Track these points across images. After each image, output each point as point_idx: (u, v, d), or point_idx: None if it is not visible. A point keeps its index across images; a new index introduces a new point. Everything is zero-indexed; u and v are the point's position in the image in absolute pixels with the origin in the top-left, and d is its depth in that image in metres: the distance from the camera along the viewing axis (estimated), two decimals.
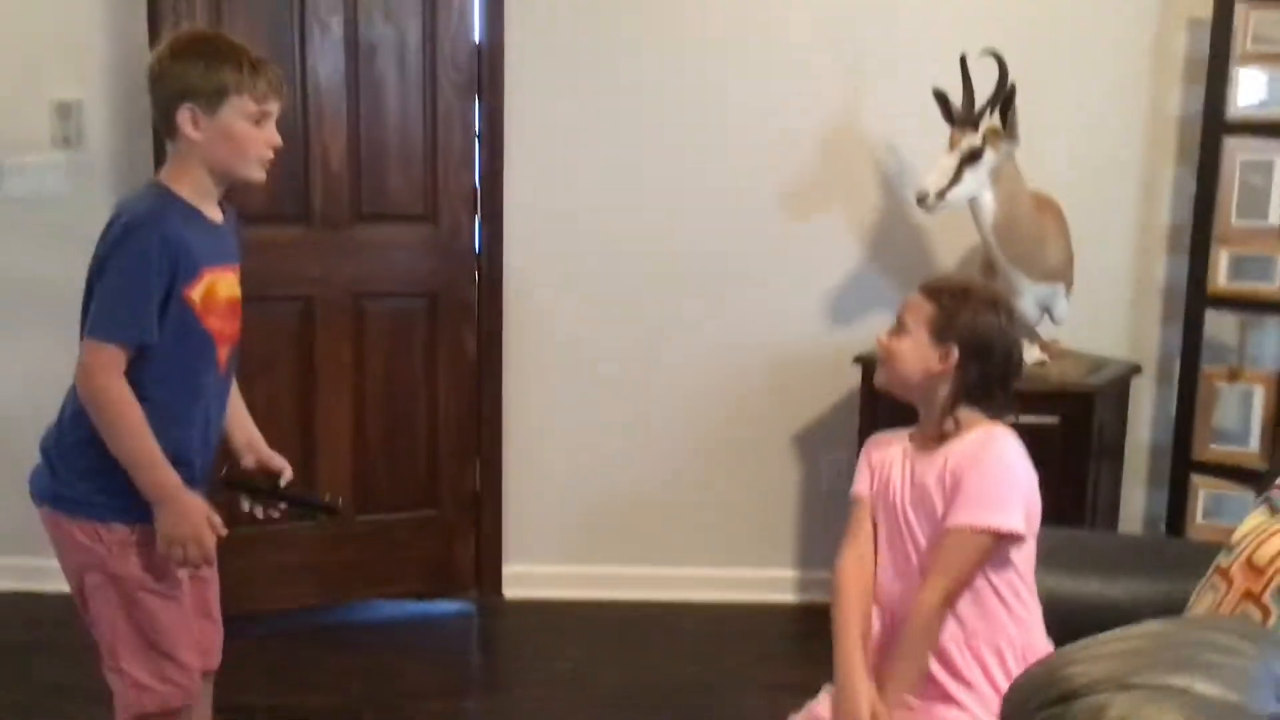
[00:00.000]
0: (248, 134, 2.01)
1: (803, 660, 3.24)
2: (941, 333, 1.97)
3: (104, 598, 2.05)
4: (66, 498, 2.03)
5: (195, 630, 2.16)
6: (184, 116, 1.98)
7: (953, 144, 2.94)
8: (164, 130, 2.04)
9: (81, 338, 1.97)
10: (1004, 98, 2.90)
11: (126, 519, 2.02)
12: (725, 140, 3.44)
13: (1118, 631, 1.28)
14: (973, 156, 2.92)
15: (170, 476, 1.98)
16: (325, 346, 3.33)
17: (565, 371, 3.56)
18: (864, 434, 3.28)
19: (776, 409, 3.58)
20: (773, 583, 3.63)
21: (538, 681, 3.19)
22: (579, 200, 3.47)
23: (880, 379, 2.08)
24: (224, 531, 2.06)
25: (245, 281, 3.16)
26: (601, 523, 3.62)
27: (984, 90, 2.93)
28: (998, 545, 1.91)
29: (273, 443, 3.32)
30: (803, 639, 3.37)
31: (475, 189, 3.40)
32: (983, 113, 2.93)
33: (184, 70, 1.98)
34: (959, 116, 2.95)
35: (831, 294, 3.53)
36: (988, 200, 2.98)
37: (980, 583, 1.94)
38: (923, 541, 1.98)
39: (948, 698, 1.94)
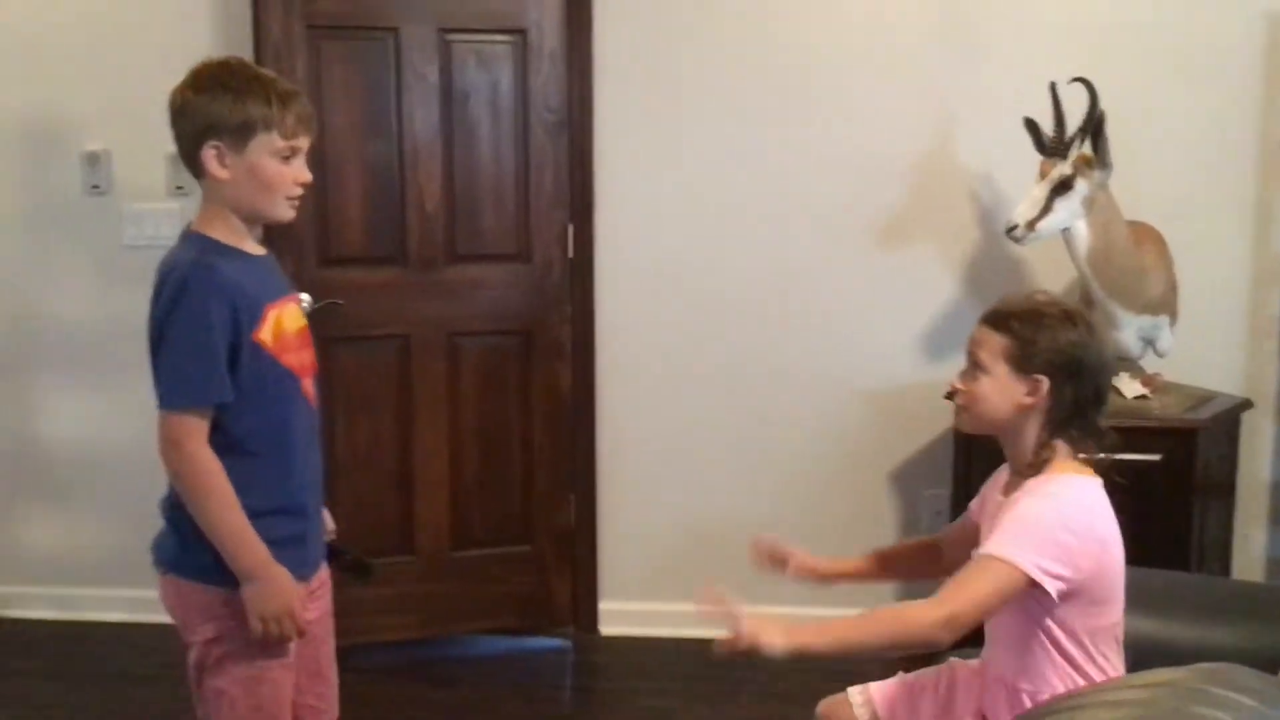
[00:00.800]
0: (276, 172, 1.90)
1: None
2: (1023, 364, 1.84)
3: (228, 671, 1.96)
4: (193, 565, 1.94)
5: (313, 691, 2.11)
6: (209, 154, 1.87)
7: (1043, 173, 2.89)
8: (189, 168, 1.93)
9: (159, 404, 1.89)
10: (1094, 125, 2.84)
11: None
12: (817, 173, 3.43)
13: (1127, 679, 1.23)
14: (1063, 186, 2.86)
15: (259, 550, 1.89)
16: (422, 384, 3.40)
17: (659, 407, 3.57)
18: (960, 471, 3.23)
19: (873, 445, 3.54)
20: None
21: (631, 719, 3.18)
22: (670, 236, 3.49)
23: (964, 424, 1.96)
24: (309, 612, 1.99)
25: (344, 322, 3.31)
26: (697, 560, 3.61)
27: (1075, 118, 2.88)
28: (1027, 587, 1.75)
29: (373, 479, 3.45)
30: None
31: (567, 227, 3.45)
32: (1073, 141, 2.88)
33: (208, 104, 1.86)
34: (1049, 145, 2.90)
35: (927, 327, 3.48)
36: (1081, 230, 2.91)
37: (1027, 630, 1.82)
38: None
39: None
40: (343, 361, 3.34)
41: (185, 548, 1.94)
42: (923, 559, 2.20)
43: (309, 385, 2.02)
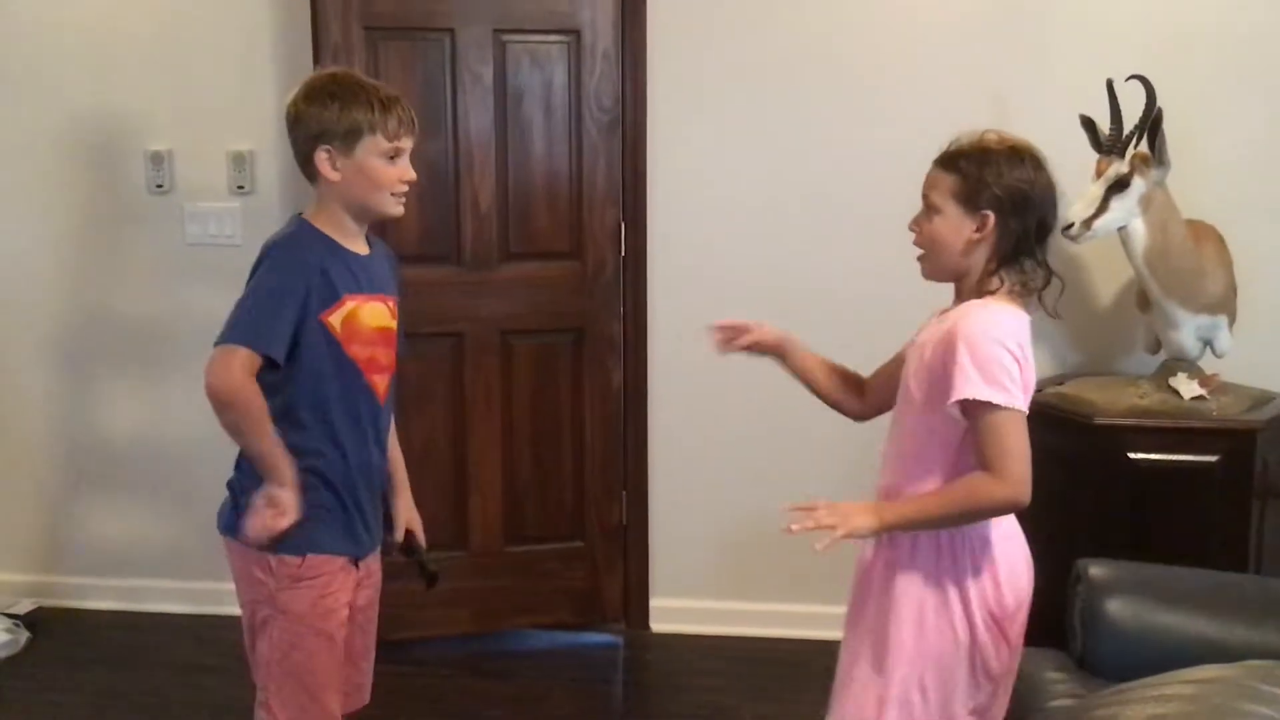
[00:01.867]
0: (382, 171, 2.05)
1: None
2: (971, 200, 1.89)
3: (269, 633, 2.08)
4: (238, 525, 2.05)
5: (343, 674, 2.18)
6: (321, 158, 2.03)
7: (1099, 172, 2.87)
8: (304, 172, 2.09)
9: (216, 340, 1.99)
10: (1151, 123, 2.81)
11: (296, 551, 2.05)
12: (869, 172, 3.42)
13: (1174, 674, 1.23)
14: (1120, 184, 2.83)
15: (285, 466, 1.98)
16: (475, 382, 3.44)
17: (711, 405, 3.58)
18: None
19: None
20: None
21: (682, 715, 3.19)
22: (722, 235, 3.49)
23: (926, 272, 1.99)
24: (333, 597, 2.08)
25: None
26: (748, 557, 3.62)
27: (1132, 116, 2.85)
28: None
29: (428, 475, 3.48)
30: None
31: (620, 225, 3.47)
32: (1130, 139, 2.85)
33: (318, 113, 2.02)
34: (1106, 143, 2.88)
35: None
36: (1138, 229, 2.89)
37: (936, 446, 1.93)
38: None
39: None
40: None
41: (238, 513, 2.05)
42: (851, 391, 2.25)
43: (378, 381, 2.13)
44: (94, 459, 3.74)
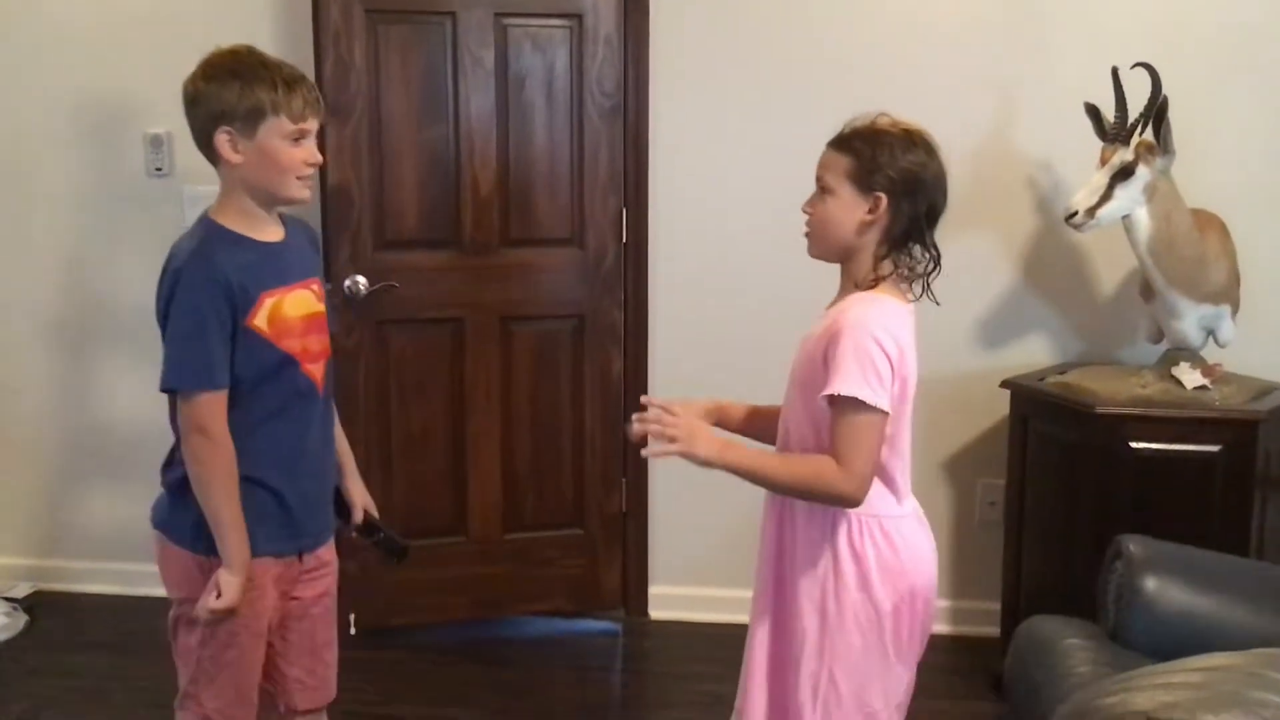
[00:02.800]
0: (286, 154, 1.96)
1: (951, 694, 3.17)
2: (864, 181, 1.90)
3: (195, 629, 2.05)
4: (176, 529, 2.05)
5: (304, 668, 2.19)
6: (222, 140, 1.94)
7: (1103, 160, 2.86)
8: (205, 154, 2.00)
9: (164, 385, 2.00)
10: (1157, 111, 2.80)
11: None
12: None
13: (1183, 661, 1.22)
14: (1124, 173, 2.82)
15: (245, 550, 1.98)
16: (475, 368, 3.42)
17: (711, 392, 3.48)
18: (1015, 459, 3.20)
19: (926, 434, 3.47)
20: None
21: (680, 703, 3.19)
22: (725, 221, 3.48)
23: (811, 249, 2.01)
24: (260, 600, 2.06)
25: (399, 305, 3.34)
26: (747, 546, 3.56)
27: (1137, 104, 2.83)
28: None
29: (427, 461, 3.48)
30: (951, 672, 3.29)
31: (621, 212, 3.45)
32: (1135, 127, 2.83)
33: (218, 91, 1.94)
34: (1110, 131, 2.86)
35: (983, 316, 3.45)
36: (1142, 218, 2.88)
37: (818, 441, 1.96)
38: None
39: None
40: (397, 344, 3.38)
41: (174, 512, 2.05)
42: (768, 426, 2.20)
43: (313, 369, 2.07)
44: (92, 443, 3.73)
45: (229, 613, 2.00)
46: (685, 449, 1.91)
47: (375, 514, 2.31)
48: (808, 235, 2.00)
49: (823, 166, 1.96)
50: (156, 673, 3.25)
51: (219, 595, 1.99)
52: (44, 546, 3.82)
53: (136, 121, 3.56)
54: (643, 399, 2.04)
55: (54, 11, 3.54)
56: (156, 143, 3.54)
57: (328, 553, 2.20)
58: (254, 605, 2.05)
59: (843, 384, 1.84)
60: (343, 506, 2.25)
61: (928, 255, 1.96)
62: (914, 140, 1.93)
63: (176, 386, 1.96)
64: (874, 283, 1.94)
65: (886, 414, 1.87)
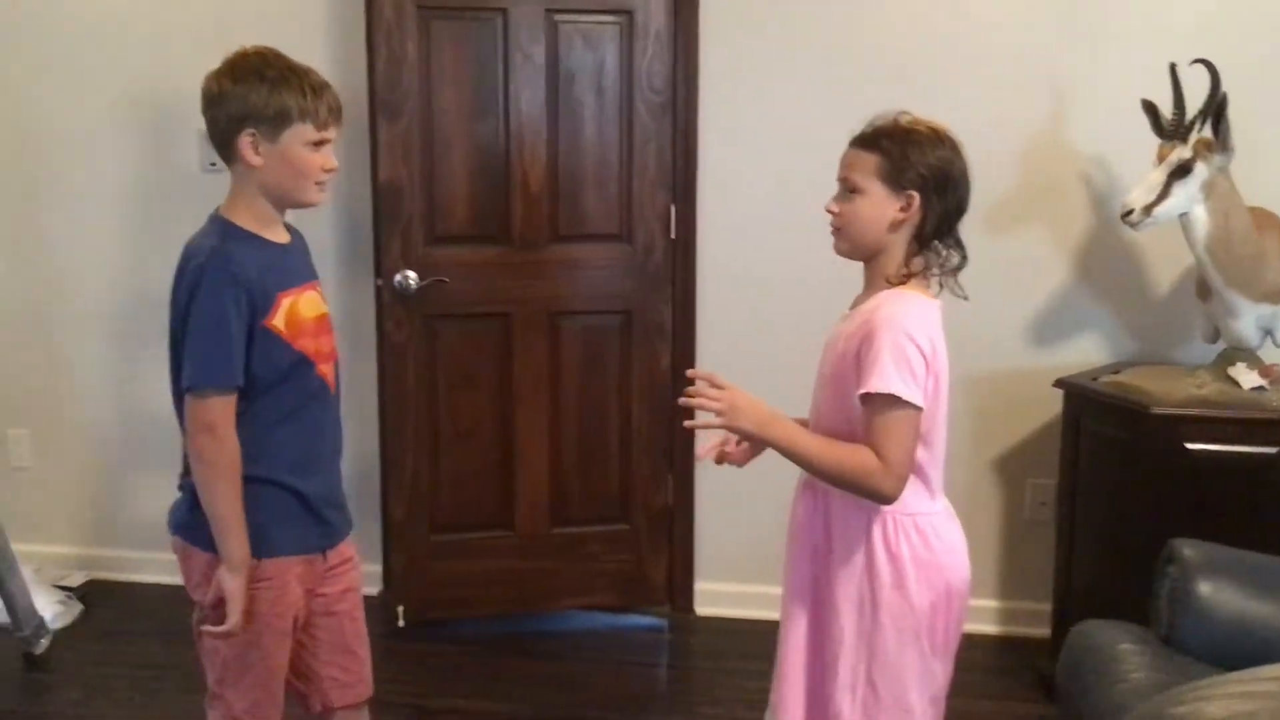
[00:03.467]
0: (307, 159, 1.97)
1: (999, 694, 3.15)
2: (896, 179, 1.90)
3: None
4: (196, 530, 2.03)
5: (338, 666, 2.18)
6: (245, 142, 1.94)
7: (1161, 157, 2.81)
8: (220, 154, 2.01)
9: (174, 383, 1.99)
10: (1216, 108, 2.75)
11: (254, 554, 2.00)
12: None
13: (1255, 670, 1.19)
14: (1182, 170, 2.78)
15: (245, 549, 1.98)
16: (523, 363, 3.43)
17: (758, 389, 3.51)
18: (1067, 459, 3.17)
19: (977, 432, 3.48)
20: (972, 613, 3.50)
21: (726, 700, 3.18)
22: (773, 218, 3.46)
23: (840, 248, 1.99)
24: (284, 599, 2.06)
25: (448, 300, 3.36)
26: None
27: (1195, 101, 2.79)
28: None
29: (474, 456, 3.50)
30: (1001, 673, 3.26)
31: (669, 208, 3.45)
32: (1193, 124, 2.79)
33: (245, 93, 1.93)
34: (1168, 128, 2.82)
35: (1035, 314, 3.42)
36: (1200, 216, 2.83)
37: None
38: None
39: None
40: (446, 338, 3.39)
41: (193, 514, 2.02)
42: None
43: (326, 370, 2.08)
44: (145, 434, 3.78)
45: (244, 615, 1.99)
46: (728, 422, 1.92)
47: None
48: (835, 233, 1.99)
49: (848, 166, 1.95)
50: None
51: (218, 595, 1.99)
52: (98, 536, 3.88)
53: (190, 117, 3.57)
54: (689, 372, 2.03)
55: (109, 9, 3.59)
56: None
57: (349, 549, 2.21)
58: (275, 604, 2.05)
59: (879, 381, 1.84)
60: None
61: (953, 252, 1.96)
62: (940, 137, 1.94)
63: (202, 384, 1.94)
64: (904, 279, 1.94)
65: (921, 410, 1.86)
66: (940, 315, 1.95)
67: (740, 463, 2.19)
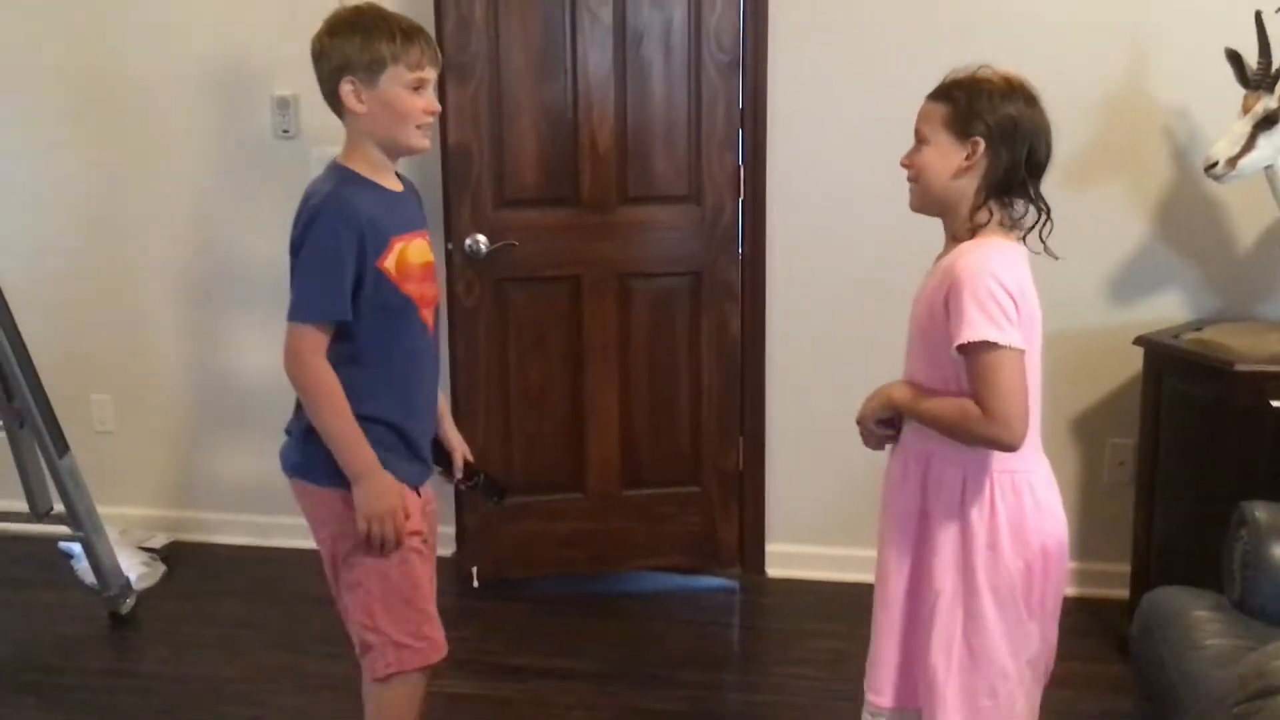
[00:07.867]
0: (407, 101, 2.04)
1: (1077, 654, 3.10)
2: (962, 128, 1.89)
3: (356, 562, 2.11)
4: (312, 468, 2.11)
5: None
6: (346, 90, 2.02)
7: (1246, 108, 2.74)
8: (332, 108, 2.09)
9: (288, 316, 2.06)
10: None
11: None
12: None
13: None
14: (1268, 121, 2.70)
15: (369, 454, 2.05)
16: (593, 325, 3.44)
17: (828, 350, 3.53)
18: (1148, 418, 3.11)
19: (1054, 391, 3.35)
20: None
21: (795, 660, 3.19)
22: (842, 179, 3.42)
23: (914, 203, 2.00)
24: (410, 520, 2.11)
25: (518, 263, 3.37)
26: (866, 503, 3.53)
27: None
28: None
29: (545, 418, 3.52)
30: (1079, 635, 3.21)
31: (739, 169, 3.42)
32: (1279, 74, 2.71)
33: (341, 45, 2.02)
34: (1253, 78, 2.74)
35: (1114, 270, 3.35)
36: None
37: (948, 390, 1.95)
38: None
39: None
40: (516, 301, 3.41)
41: (305, 453, 2.11)
42: None
43: (428, 314, 2.16)
44: (225, 398, 3.85)
45: (397, 529, 2.07)
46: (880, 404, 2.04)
47: (471, 459, 2.37)
48: (911, 187, 1.99)
49: (921, 118, 1.95)
50: (289, 621, 3.39)
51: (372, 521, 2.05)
52: (180, 499, 3.96)
53: (264, 84, 3.63)
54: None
55: None
56: (283, 105, 3.61)
57: (429, 490, 2.27)
58: (409, 525, 2.12)
59: (969, 330, 1.82)
60: (441, 454, 2.31)
61: (1035, 207, 1.92)
62: (1013, 88, 1.91)
63: (306, 318, 2.04)
64: (972, 231, 1.91)
65: (1022, 350, 1.83)
66: (1026, 258, 1.92)
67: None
